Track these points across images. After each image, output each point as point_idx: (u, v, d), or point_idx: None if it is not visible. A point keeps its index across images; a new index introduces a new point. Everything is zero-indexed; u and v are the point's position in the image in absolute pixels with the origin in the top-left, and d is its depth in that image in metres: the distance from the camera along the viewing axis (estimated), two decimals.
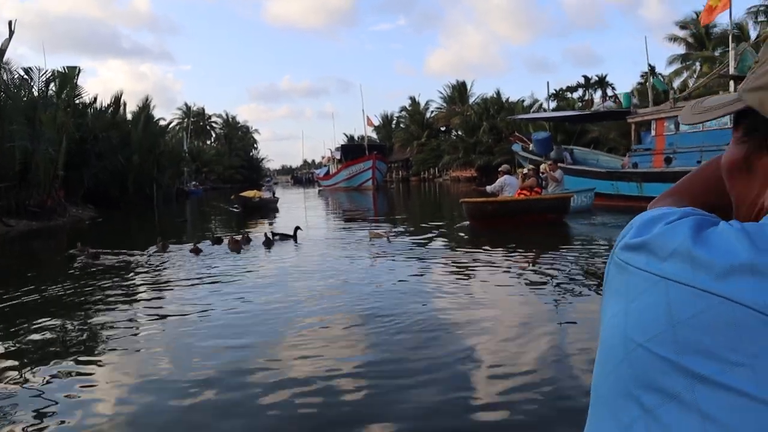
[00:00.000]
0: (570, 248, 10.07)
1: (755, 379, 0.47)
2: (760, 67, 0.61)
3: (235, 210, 24.32)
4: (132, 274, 9.31)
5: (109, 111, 32.31)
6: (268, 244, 12.00)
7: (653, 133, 17.75)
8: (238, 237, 12.31)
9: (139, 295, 7.71)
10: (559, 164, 16.85)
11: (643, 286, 0.56)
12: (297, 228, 12.45)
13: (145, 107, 35.86)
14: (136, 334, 5.66)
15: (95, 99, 30.81)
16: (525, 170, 15.77)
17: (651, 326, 0.53)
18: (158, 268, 9.80)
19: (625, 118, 19.51)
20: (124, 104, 34.69)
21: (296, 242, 12.02)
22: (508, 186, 14.15)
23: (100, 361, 4.87)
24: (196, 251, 11.19)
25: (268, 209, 23.88)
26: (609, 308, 0.60)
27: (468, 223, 13.85)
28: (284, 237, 12.44)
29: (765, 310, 0.48)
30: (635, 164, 17.96)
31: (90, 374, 4.50)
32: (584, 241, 11.08)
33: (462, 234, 13.02)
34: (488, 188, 14.64)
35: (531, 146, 22.29)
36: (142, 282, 8.59)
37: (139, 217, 25.12)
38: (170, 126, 54.29)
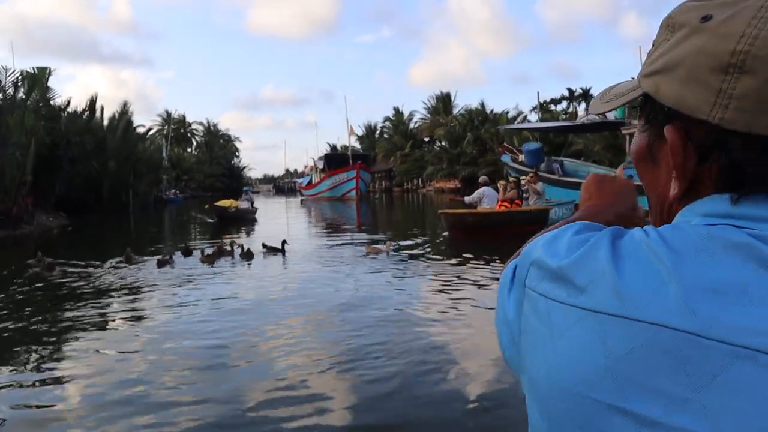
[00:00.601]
0: None
1: (706, 415, 0.42)
2: (655, 51, 0.58)
3: (210, 221, 22.98)
4: (82, 286, 8.66)
5: (84, 115, 31.19)
6: (248, 256, 11.20)
7: None
8: (210, 250, 11.64)
9: (76, 312, 6.96)
10: (550, 176, 16.41)
11: (570, 321, 0.50)
12: (284, 242, 11.93)
13: (123, 113, 34.87)
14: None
15: (68, 102, 29.63)
16: (504, 182, 15.77)
17: (586, 368, 0.47)
18: (113, 282, 9.03)
19: (618, 129, 18.94)
20: (101, 109, 33.69)
21: (284, 256, 11.43)
22: (486, 197, 14.02)
23: None
24: (163, 263, 10.35)
25: (245, 220, 22.60)
26: (531, 352, 0.53)
27: (447, 234, 13.74)
28: (272, 250, 11.91)
29: (703, 333, 0.44)
30: (630, 177, 17.18)
31: None
32: None
33: (446, 248, 12.42)
34: (466, 199, 14.49)
35: (521, 157, 21.74)
36: (88, 297, 7.89)
37: (114, 225, 24.10)
38: (150, 133, 53.04)
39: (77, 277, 9.55)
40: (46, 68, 23.30)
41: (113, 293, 8.17)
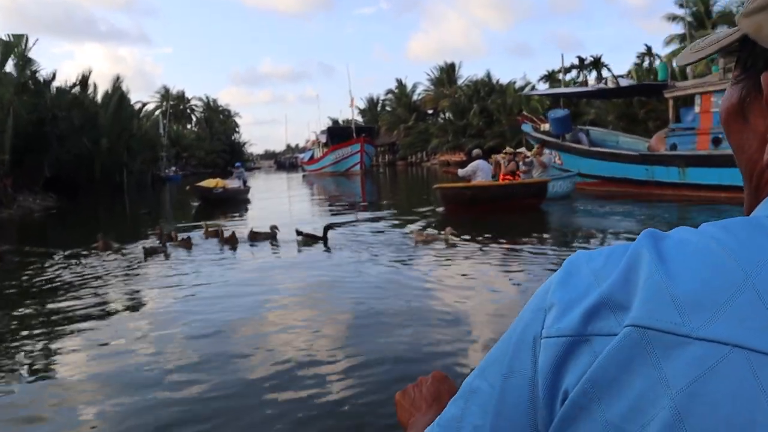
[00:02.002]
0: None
1: None
2: None
3: (146, 214, 19.48)
4: (25, 282, 7.44)
5: (73, 90, 29.55)
6: (232, 242, 9.87)
7: (697, 109, 15.18)
8: (186, 235, 10.22)
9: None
10: (578, 146, 15.10)
11: (624, 356, 0.40)
12: (328, 227, 9.73)
13: (116, 88, 33.25)
14: None
15: (53, 76, 27.67)
16: (501, 155, 15.33)
17: (644, 405, 0.39)
18: (71, 275, 7.71)
19: (660, 92, 17.08)
20: (94, 85, 32.05)
21: (326, 246, 9.29)
22: (480, 170, 13.56)
23: None
24: (151, 252, 9.02)
25: (236, 201, 20.08)
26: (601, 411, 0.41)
27: (442, 209, 13.42)
28: (310, 238, 9.68)
29: None
30: (674, 145, 15.58)
31: None
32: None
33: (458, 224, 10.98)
34: (460, 171, 14.04)
35: (543, 126, 20.20)
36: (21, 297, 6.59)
37: (106, 206, 22.73)
38: (146, 109, 51.38)
39: (27, 269, 8.29)
40: (22, 35, 21.16)
41: (53, 292, 6.83)
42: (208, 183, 20.40)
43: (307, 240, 9.63)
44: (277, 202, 21.84)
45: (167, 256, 8.95)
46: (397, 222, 12.76)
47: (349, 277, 7.09)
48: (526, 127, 21.08)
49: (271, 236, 10.14)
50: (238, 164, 25.91)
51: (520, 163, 14.88)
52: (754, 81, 0.49)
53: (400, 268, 7.48)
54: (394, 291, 6.27)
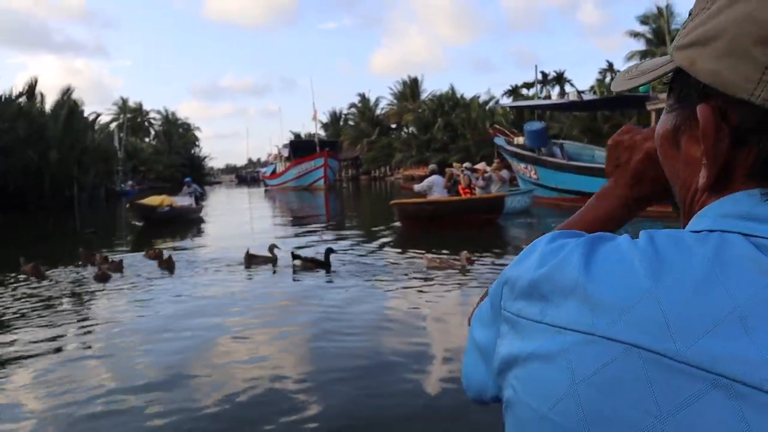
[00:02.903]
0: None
1: None
2: (691, 21, 0.52)
3: (92, 233, 16.91)
4: None
5: (19, 100, 27.94)
6: (169, 265, 8.89)
7: None
8: (106, 263, 9.02)
9: None
10: (555, 160, 14.73)
11: (539, 339, 0.47)
12: (330, 251, 8.70)
13: (66, 99, 31.69)
14: None
15: None
16: (455, 169, 15.71)
17: (552, 390, 0.44)
18: None
19: (642, 104, 16.64)
20: (41, 95, 30.41)
21: (329, 271, 8.32)
22: (436, 185, 13.71)
23: None
24: (103, 277, 8.05)
25: (186, 221, 17.71)
26: (503, 374, 0.51)
27: (400, 224, 13.40)
28: (310, 263, 8.60)
29: (678, 356, 0.40)
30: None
31: None
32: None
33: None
34: (416, 187, 14.28)
35: (516, 139, 19.63)
36: None
37: (57, 221, 21.21)
38: (100, 120, 49.49)
39: None
40: None
41: None
42: (152, 200, 17.68)
43: (307, 265, 8.53)
44: (238, 219, 20.54)
45: (104, 280, 7.96)
46: (363, 240, 11.97)
47: (355, 312, 6.17)
48: (499, 141, 20.47)
49: (271, 260, 8.93)
50: (187, 179, 23.01)
51: (479, 178, 15.00)
52: (689, 111, 0.50)
53: (406, 296, 6.63)
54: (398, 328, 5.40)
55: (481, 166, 17.51)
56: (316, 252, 9.51)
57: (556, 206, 16.51)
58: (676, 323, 0.41)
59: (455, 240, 10.39)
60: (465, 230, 11.98)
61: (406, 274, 7.89)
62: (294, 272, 8.36)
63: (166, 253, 9.38)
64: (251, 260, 9.00)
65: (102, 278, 8.11)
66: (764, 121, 0.45)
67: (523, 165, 18.62)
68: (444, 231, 11.89)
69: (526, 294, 0.49)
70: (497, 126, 24.71)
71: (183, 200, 19.53)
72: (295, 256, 8.73)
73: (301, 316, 6.01)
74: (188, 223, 17.33)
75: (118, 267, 8.85)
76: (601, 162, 16.98)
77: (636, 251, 0.46)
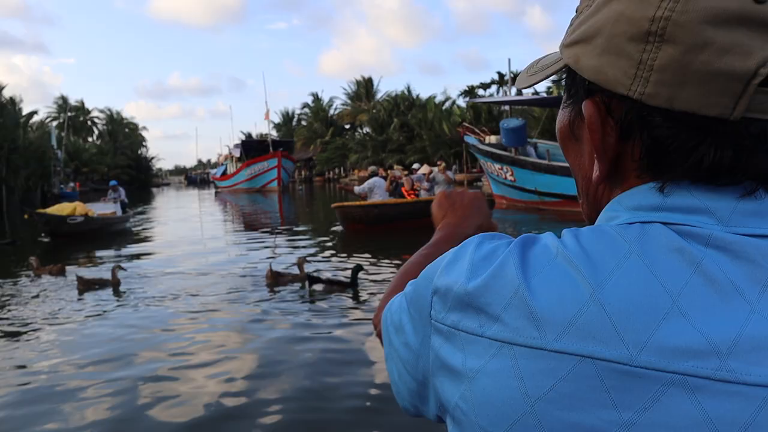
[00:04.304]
0: None
1: None
2: (577, 18, 0.53)
3: (7, 245, 13.26)
4: None
5: None
6: (279, 280, 7.39)
7: None
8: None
9: None
10: (537, 161, 14.99)
11: (485, 356, 0.45)
12: (359, 268, 7.19)
13: None
14: None
15: None
16: (397, 172, 15.59)
17: (507, 411, 0.43)
18: None
19: None
20: None
21: (355, 287, 6.95)
22: (377, 187, 13.45)
23: None
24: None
25: (108, 233, 14.54)
26: (444, 391, 0.49)
27: (341, 228, 13.09)
28: (335, 285, 7.10)
29: (631, 361, 0.40)
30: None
31: None
32: None
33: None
34: (356, 189, 14.05)
35: (487, 138, 18.40)
36: None
37: None
38: (35, 119, 46.47)
39: None
40: None
41: None
42: (61, 209, 13.92)
43: (332, 288, 7.00)
44: (187, 226, 18.54)
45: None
46: (322, 247, 10.56)
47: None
48: (471, 139, 19.13)
49: (300, 278, 7.34)
50: (113, 182, 19.42)
51: (424, 180, 14.73)
52: (579, 107, 0.51)
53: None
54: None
55: (424, 168, 16.45)
56: (291, 264, 8.29)
57: (536, 210, 15.44)
58: (623, 326, 0.41)
59: (402, 245, 10.02)
60: (409, 232, 11.24)
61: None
62: (311, 297, 6.78)
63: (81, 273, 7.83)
64: (277, 279, 7.41)
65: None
66: (644, 114, 0.46)
67: (498, 165, 17.35)
68: (387, 234, 11.68)
69: (462, 305, 0.47)
70: (466, 125, 23.44)
71: (106, 207, 16.42)
72: (313, 280, 7.14)
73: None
74: (112, 237, 14.17)
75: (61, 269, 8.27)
76: None
77: (567, 253, 0.45)
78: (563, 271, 0.44)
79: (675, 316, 0.41)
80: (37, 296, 7.19)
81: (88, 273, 8.01)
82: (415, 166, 18.77)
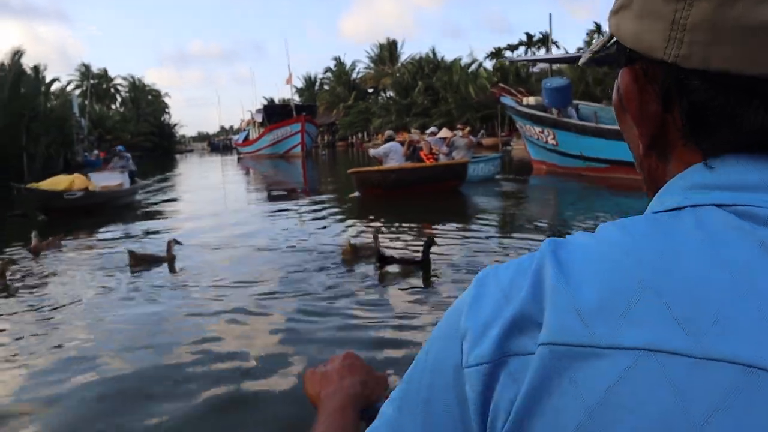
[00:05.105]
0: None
1: None
2: None
3: (18, 217, 12.60)
4: None
5: None
6: (358, 252, 6.65)
7: None
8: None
9: None
10: (585, 124, 14.37)
11: (543, 377, 0.40)
12: (431, 242, 6.13)
13: (14, 63, 28.63)
14: None
15: None
16: (415, 135, 15.53)
17: (567, 420, 0.38)
18: None
19: None
20: None
21: (428, 271, 5.96)
22: (393, 152, 13.19)
23: None
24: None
25: (111, 208, 12.69)
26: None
27: (358, 194, 12.83)
28: (404, 263, 6.16)
29: (702, 353, 0.36)
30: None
31: None
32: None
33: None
34: (371, 152, 13.99)
35: (525, 99, 17.38)
36: None
37: None
38: (56, 86, 46.06)
39: None
40: None
41: None
42: (56, 182, 12.28)
43: (404, 268, 6.10)
44: (210, 196, 17.66)
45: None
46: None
47: None
48: (507, 101, 17.99)
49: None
50: (120, 148, 17.50)
51: (443, 144, 14.58)
52: None
53: None
54: None
55: (444, 132, 15.80)
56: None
57: (577, 176, 14.41)
58: (687, 315, 0.37)
59: (422, 210, 10.15)
60: (427, 197, 11.63)
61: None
62: (381, 280, 5.87)
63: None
64: (356, 253, 6.66)
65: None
66: (681, 78, 0.44)
67: (538, 128, 16.32)
68: (403, 199, 11.57)
69: (508, 333, 0.42)
70: (502, 85, 22.31)
71: (111, 178, 14.09)
72: (383, 259, 6.19)
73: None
74: (117, 211, 12.44)
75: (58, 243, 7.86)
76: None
77: (608, 244, 0.42)
78: (606, 261, 0.41)
79: (753, 306, 0.36)
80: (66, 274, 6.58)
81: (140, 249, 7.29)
82: (432, 129, 17.93)
